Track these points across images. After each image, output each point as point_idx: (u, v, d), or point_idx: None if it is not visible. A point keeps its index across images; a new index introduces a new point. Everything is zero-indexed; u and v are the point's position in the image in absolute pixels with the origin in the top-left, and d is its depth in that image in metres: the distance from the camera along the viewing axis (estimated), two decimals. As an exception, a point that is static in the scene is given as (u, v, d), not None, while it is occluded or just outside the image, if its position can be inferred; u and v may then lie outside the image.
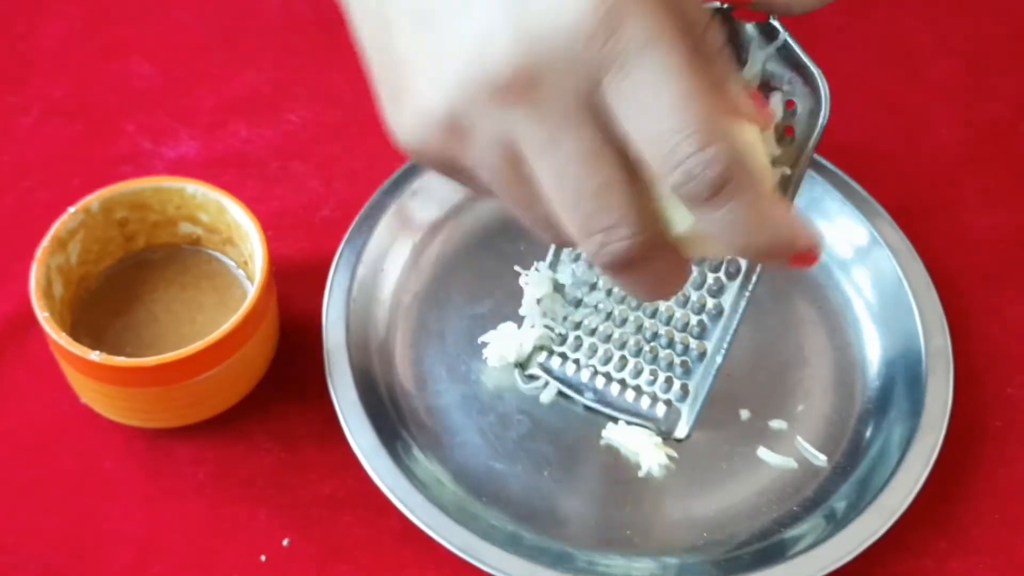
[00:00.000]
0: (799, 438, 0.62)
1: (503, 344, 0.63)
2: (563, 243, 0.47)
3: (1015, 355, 0.66)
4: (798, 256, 0.46)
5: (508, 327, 0.64)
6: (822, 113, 0.51)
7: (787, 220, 0.45)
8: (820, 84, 0.51)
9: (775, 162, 0.51)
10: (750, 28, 0.51)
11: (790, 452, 0.62)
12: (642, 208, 0.44)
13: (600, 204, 0.43)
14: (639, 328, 0.61)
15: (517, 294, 0.64)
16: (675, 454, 0.61)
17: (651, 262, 0.46)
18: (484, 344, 0.64)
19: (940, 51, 0.78)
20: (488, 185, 0.46)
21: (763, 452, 0.62)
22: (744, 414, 0.63)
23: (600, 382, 0.62)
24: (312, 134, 0.73)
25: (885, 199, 0.68)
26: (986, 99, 0.76)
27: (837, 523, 0.58)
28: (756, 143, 0.47)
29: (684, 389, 0.61)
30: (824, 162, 0.68)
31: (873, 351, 0.65)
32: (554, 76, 0.41)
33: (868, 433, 0.62)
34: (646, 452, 0.61)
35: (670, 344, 0.61)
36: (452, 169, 0.46)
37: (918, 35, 0.79)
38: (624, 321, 0.62)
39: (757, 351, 0.64)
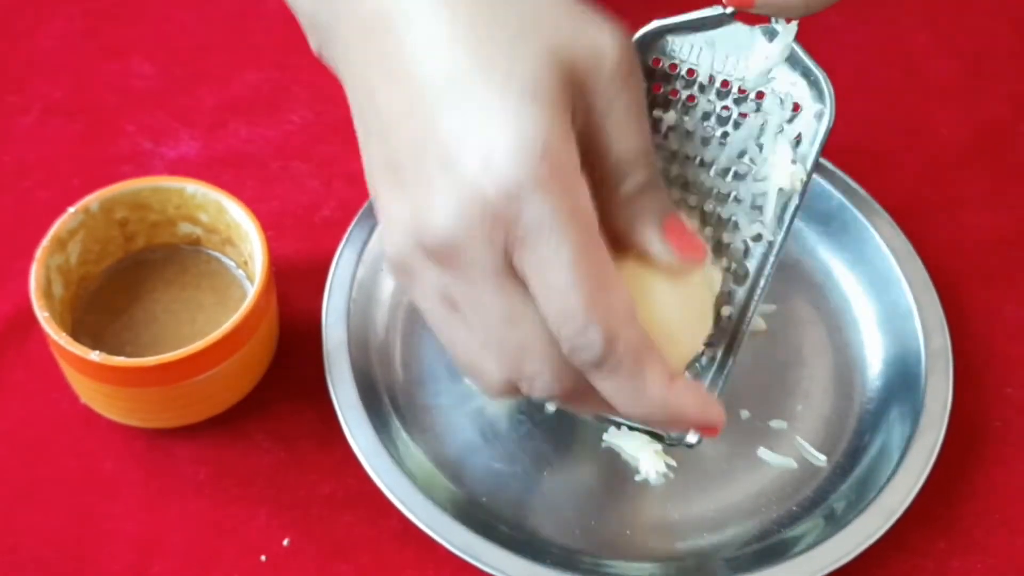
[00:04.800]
0: (799, 438, 0.62)
1: None
2: (486, 387, 0.51)
3: (1015, 355, 0.66)
4: (699, 425, 0.51)
5: None
6: (827, 116, 0.51)
7: (667, 400, 0.48)
8: (825, 87, 0.51)
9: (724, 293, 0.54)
10: (754, 31, 0.51)
11: (790, 452, 0.62)
12: (563, 360, 0.48)
13: (521, 357, 0.48)
14: None
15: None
16: (674, 462, 0.61)
17: (585, 399, 0.49)
18: None
19: (940, 51, 0.78)
20: (428, 316, 0.50)
21: (763, 452, 0.62)
22: (744, 414, 0.63)
23: None
24: (312, 134, 0.73)
25: (885, 199, 0.68)
26: (986, 99, 0.76)
27: (837, 523, 0.58)
28: (662, 295, 0.50)
29: None
30: (824, 162, 0.68)
31: (873, 351, 0.65)
32: (473, 249, 0.46)
33: (868, 433, 0.62)
34: (645, 459, 0.61)
35: None
36: (409, 295, 0.52)
37: (918, 35, 0.79)
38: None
39: (757, 351, 0.64)
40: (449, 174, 0.45)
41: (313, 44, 0.55)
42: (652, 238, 0.50)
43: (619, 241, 0.50)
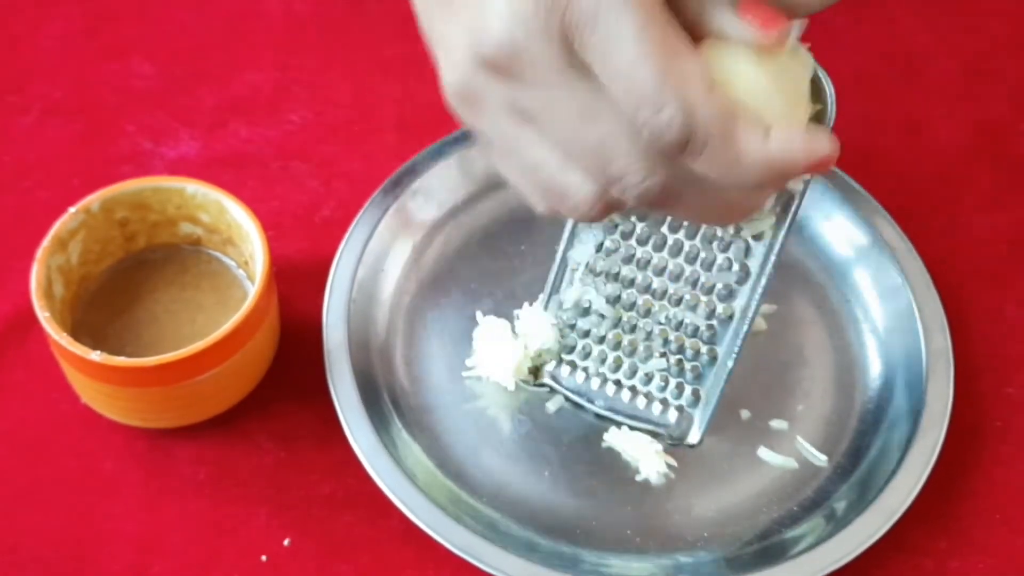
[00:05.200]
0: (799, 438, 0.62)
1: (491, 365, 0.63)
2: (559, 212, 0.49)
3: (1015, 355, 0.66)
4: (808, 170, 0.46)
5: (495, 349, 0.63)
6: (829, 117, 0.51)
7: (770, 156, 0.45)
8: (827, 87, 0.51)
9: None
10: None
11: (790, 452, 0.62)
12: (650, 152, 0.45)
13: (606, 156, 0.45)
14: (649, 335, 0.61)
15: (517, 294, 0.64)
16: (674, 463, 0.61)
17: (685, 197, 0.47)
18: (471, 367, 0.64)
19: (940, 51, 0.78)
20: (498, 146, 0.49)
21: (763, 452, 0.62)
22: (744, 414, 0.63)
23: (610, 389, 0.62)
24: (312, 134, 0.73)
25: (885, 199, 0.68)
26: (986, 99, 0.76)
27: (837, 523, 0.58)
28: (747, 73, 0.46)
29: (695, 394, 0.61)
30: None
31: (873, 351, 0.65)
32: (534, 44, 0.44)
33: (868, 433, 0.62)
34: (646, 459, 0.61)
35: (680, 350, 0.61)
36: (476, 134, 0.50)
37: (918, 35, 0.79)
38: (633, 328, 0.61)
39: (757, 351, 0.64)
40: None
41: None
42: (728, 16, 0.46)
43: (693, 33, 0.46)
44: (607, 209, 0.48)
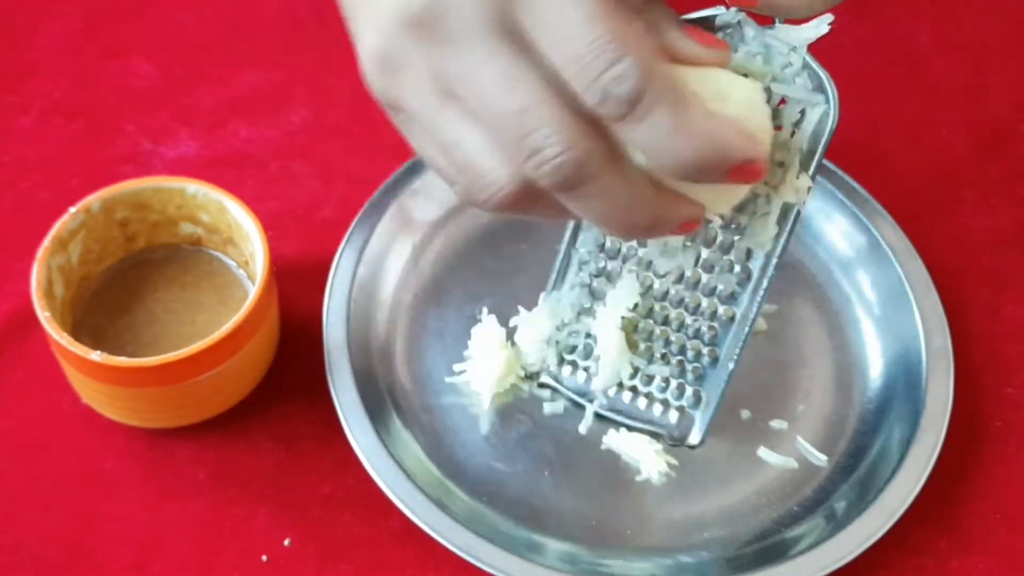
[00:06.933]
0: (799, 438, 0.62)
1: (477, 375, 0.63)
2: (473, 197, 0.47)
3: (1015, 355, 0.66)
4: (736, 170, 0.45)
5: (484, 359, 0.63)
6: (831, 117, 0.51)
7: (714, 131, 0.44)
8: (829, 88, 0.51)
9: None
10: (758, 32, 0.51)
11: (790, 452, 0.62)
12: (573, 122, 0.43)
13: (525, 125, 0.44)
14: (650, 335, 0.61)
15: (517, 294, 0.64)
16: (675, 462, 0.61)
17: (600, 179, 0.45)
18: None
19: (940, 51, 0.78)
20: (418, 121, 0.46)
21: (763, 452, 0.62)
22: (744, 414, 0.63)
23: (611, 390, 0.62)
24: (312, 134, 0.73)
25: (885, 199, 0.68)
26: (986, 99, 0.76)
27: (837, 523, 0.58)
28: (718, 79, 0.46)
29: (697, 395, 0.61)
30: (824, 162, 0.67)
31: (873, 351, 0.65)
32: (460, 6, 0.43)
33: (869, 433, 0.62)
34: (647, 459, 0.61)
35: (682, 351, 0.61)
36: (393, 107, 0.48)
37: (918, 35, 0.79)
38: (635, 328, 0.61)
39: (757, 351, 0.64)
40: None
41: None
42: (677, 34, 0.47)
43: None
44: (520, 195, 0.46)
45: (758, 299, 0.57)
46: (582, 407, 0.62)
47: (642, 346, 0.61)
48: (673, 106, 0.43)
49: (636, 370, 0.62)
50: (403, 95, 0.46)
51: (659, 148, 0.44)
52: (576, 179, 0.44)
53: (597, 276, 0.61)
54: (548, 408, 0.63)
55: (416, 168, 0.68)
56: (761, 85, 0.49)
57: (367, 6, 0.46)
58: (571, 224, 0.61)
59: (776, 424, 0.63)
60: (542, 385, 0.63)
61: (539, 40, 0.43)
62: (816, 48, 0.51)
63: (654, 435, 0.61)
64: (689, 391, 0.61)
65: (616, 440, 0.61)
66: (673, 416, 0.61)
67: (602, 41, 0.42)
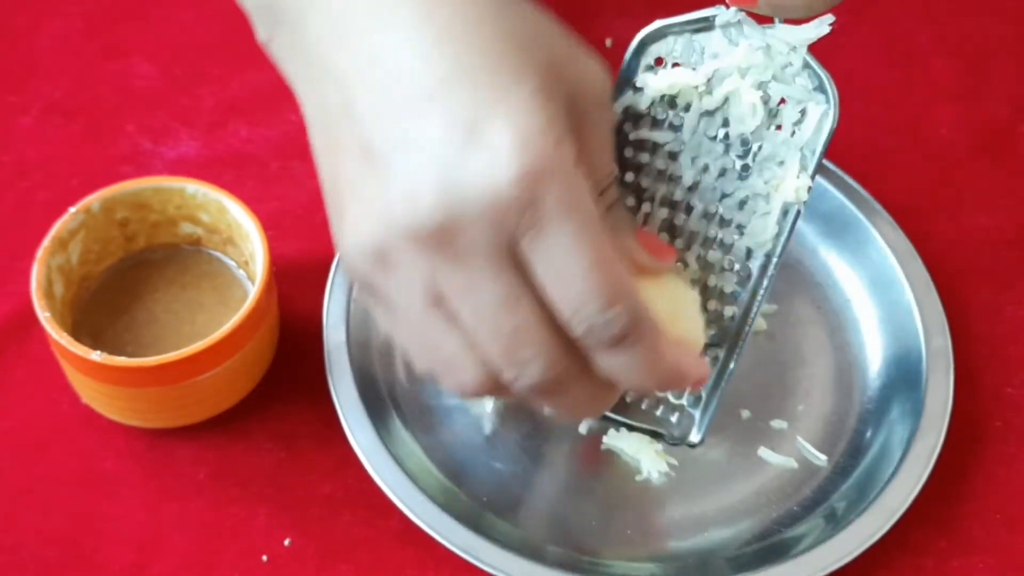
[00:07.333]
0: (799, 438, 0.62)
1: None
2: (439, 380, 0.50)
3: (1015, 355, 0.66)
4: (694, 385, 0.54)
5: None
6: (831, 117, 0.51)
7: (677, 363, 0.50)
8: (829, 88, 0.51)
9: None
10: (758, 32, 0.51)
11: (790, 452, 0.62)
12: (557, 343, 0.47)
13: (516, 342, 0.47)
14: None
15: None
16: (675, 461, 0.61)
17: (569, 389, 0.49)
18: None
19: (940, 51, 0.78)
20: (401, 315, 0.48)
21: (764, 452, 0.62)
22: (744, 414, 0.63)
23: None
24: (312, 134, 0.73)
25: (885, 199, 0.68)
26: (986, 99, 0.76)
27: (837, 523, 0.58)
28: (665, 292, 0.52)
29: (696, 395, 0.61)
30: (824, 162, 0.67)
31: (873, 351, 0.65)
32: (475, 232, 0.45)
33: (868, 433, 0.62)
34: (647, 459, 0.61)
35: None
36: (373, 293, 0.49)
37: (918, 35, 0.79)
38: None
39: (757, 351, 0.64)
40: (457, 150, 0.44)
41: (262, 33, 0.53)
42: (633, 244, 0.52)
43: None
44: (488, 390, 0.49)
45: (758, 299, 0.57)
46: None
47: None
48: (650, 345, 0.48)
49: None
50: (389, 289, 0.48)
51: (628, 376, 0.49)
52: (548, 389, 0.49)
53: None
54: (548, 408, 0.63)
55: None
56: (697, 294, 0.55)
57: (364, 201, 0.46)
58: None
59: (776, 424, 0.63)
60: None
61: (541, 275, 0.46)
62: (816, 48, 0.51)
63: (654, 435, 0.61)
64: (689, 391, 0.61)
65: (616, 440, 0.61)
66: (673, 415, 0.61)
67: (602, 290, 0.46)
